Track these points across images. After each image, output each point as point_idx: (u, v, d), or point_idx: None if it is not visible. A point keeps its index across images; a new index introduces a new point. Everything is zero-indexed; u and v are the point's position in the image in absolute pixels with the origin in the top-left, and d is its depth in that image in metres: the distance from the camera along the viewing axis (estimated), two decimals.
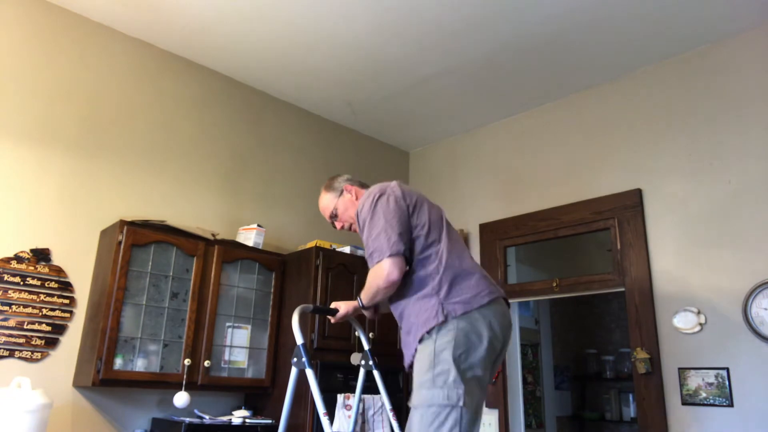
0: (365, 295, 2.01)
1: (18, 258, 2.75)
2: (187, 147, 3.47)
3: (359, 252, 3.45)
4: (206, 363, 2.93)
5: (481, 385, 1.83)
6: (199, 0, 3.04)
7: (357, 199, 2.25)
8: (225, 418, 2.96)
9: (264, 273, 3.32)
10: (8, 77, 2.88)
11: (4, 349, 2.64)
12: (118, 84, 3.26)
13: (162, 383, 2.83)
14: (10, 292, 2.69)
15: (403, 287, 1.96)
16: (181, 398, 2.80)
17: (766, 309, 2.75)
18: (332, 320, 2.24)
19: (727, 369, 2.81)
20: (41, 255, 2.81)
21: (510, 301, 3.88)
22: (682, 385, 2.94)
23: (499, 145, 4.16)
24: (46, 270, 2.81)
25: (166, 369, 2.83)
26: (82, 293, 2.90)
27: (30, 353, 2.70)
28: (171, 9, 3.11)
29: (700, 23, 3.08)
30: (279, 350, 3.22)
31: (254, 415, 3.13)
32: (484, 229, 4.04)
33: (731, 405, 2.77)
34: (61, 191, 2.95)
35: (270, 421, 3.00)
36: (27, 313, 2.71)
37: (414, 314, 1.90)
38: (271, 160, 3.87)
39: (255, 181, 3.75)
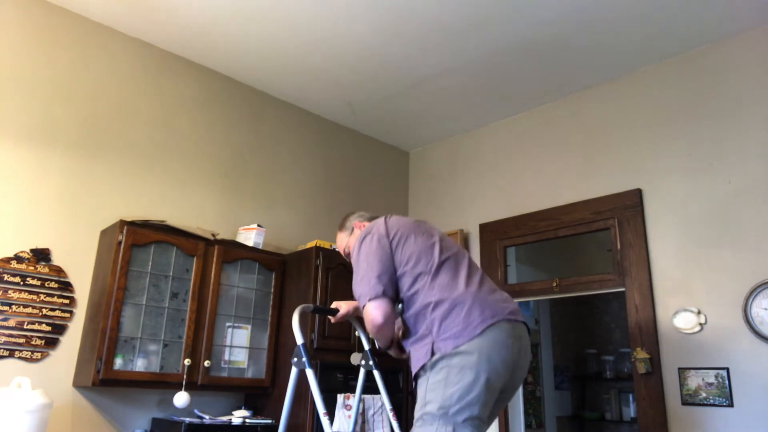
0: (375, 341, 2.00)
1: (18, 258, 2.75)
2: (187, 147, 3.47)
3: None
4: (206, 363, 2.93)
5: (479, 424, 1.71)
6: (199, 0, 3.04)
7: (360, 227, 2.29)
8: (225, 418, 2.96)
9: (264, 273, 3.32)
10: (8, 77, 2.88)
11: (4, 349, 2.64)
12: (118, 84, 3.26)
13: (162, 383, 2.83)
14: (10, 292, 2.69)
15: (406, 328, 1.93)
16: (181, 398, 2.80)
17: (766, 309, 2.75)
18: (332, 320, 2.25)
19: (727, 369, 2.81)
20: (41, 255, 2.81)
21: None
22: (682, 385, 2.94)
23: (499, 145, 4.16)
24: (46, 270, 2.81)
25: (166, 369, 2.83)
26: (82, 293, 2.90)
27: (30, 353, 2.70)
28: (171, 9, 3.11)
29: (700, 23, 3.08)
30: (279, 350, 3.22)
31: (254, 415, 3.13)
32: (484, 229, 4.04)
33: (731, 405, 2.77)
34: (61, 191, 2.95)
35: (270, 421, 3.00)
36: (27, 313, 2.71)
37: (414, 355, 1.86)
38: (271, 160, 3.87)
39: (255, 181, 3.75)
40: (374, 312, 1.83)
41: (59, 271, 2.85)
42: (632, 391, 4.77)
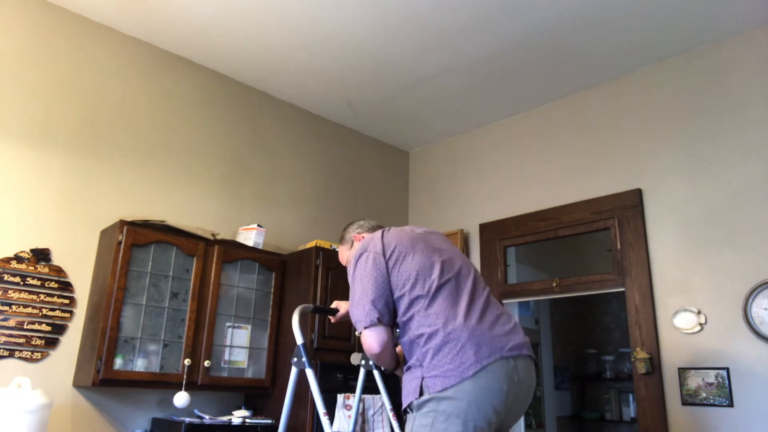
0: None
1: (18, 258, 2.75)
2: (187, 147, 3.47)
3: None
4: (206, 363, 2.93)
5: None
6: (199, 0, 3.03)
7: (358, 238, 2.20)
8: (225, 418, 2.96)
9: (264, 273, 3.32)
10: (8, 77, 2.88)
11: (4, 349, 2.64)
12: (118, 84, 3.26)
13: (162, 383, 2.83)
14: (10, 292, 2.69)
15: (402, 353, 1.85)
16: (181, 398, 2.80)
17: (766, 309, 2.75)
18: (332, 320, 2.23)
19: (727, 369, 2.81)
20: (41, 255, 2.81)
21: (510, 301, 3.98)
22: (682, 385, 2.94)
23: (499, 145, 4.16)
24: (46, 270, 2.81)
25: (166, 369, 2.83)
26: (82, 293, 2.90)
27: (30, 353, 2.70)
28: (171, 9, 3.11)
29: (700, 23, 3.08)
30: (279, 350, 3.22)
31: (254, 415, 3.13)
32: (484, 229, 4.04)
33: (731, 405, 2.77)
34: (61, 191, 2.95)
35: (270, 421, 3.00)
36: (27, 313, 2.71)
37: (404, 387, 1.74)
38: (271, 160, 3.87)
39: (255, 181, 3.75)
40: (370, 341, 1.73)
41: (59, 271, 2.85)
42: (632, 391, 4.77)
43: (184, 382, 2.85)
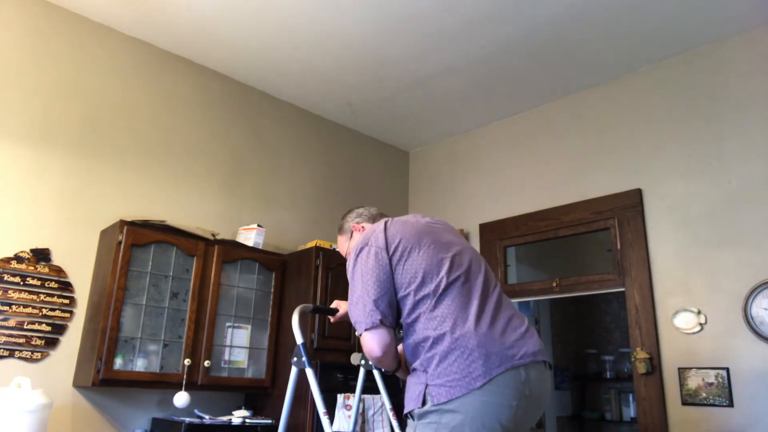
0: None
1: (18, 258, 2.75)
2: (187, 147, 3.47)
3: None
4: (206, 363, 2.93)
5: None
6: (199, 0, 3.04)
7: (361, 228, 2.04)
8: (225, 418, 2.96)
9: (264, 273, 3.32)
10: (8, 77, 2.88)
11: (4, 349, 2.64)
12: (118, 84, 3.26)
13: (162, 383, 2.83)
14: (10, 292, 2.69)
15: (404, 355, 1.73)
16: (181, 398, 2.80)
17: (766, 309, 2.75)
18: (332, 320, 2.21)
19: (727, 369, 2.81)
20: (41, 255, 2.81)
21: (510, 301, 3.95)
22: (682, 385, 2.93)
23: (499, 145, 4.16)
24: (46, 270, 2.81)
25: (166, 369, 2.83)
26: (82, 293, 2.90)
27: (30, 353, 2.70)
28: (171, 9, 3.11)
29: (700, 23, 3.08)
30: (279, 350, 3.22)
31: (254, 415, 3.12)
32: (484, 229, 4.04)
33: (731, 405, 2.77)
34: (61, 191, 2.95)
35: (270, 421, 3.00)
36: (27, 313, 2.71)
37: (407, 392, 1.63)
38: (271, 160, 3.87)
39: (255, 181, 3.75)
40: (371, 343, 1.59)
41: (59, 271, 2.85)
42: (632, 391, 4.77)
43: (184, 382, 2.85)
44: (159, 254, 2.92)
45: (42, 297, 2.77)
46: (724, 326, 2.87)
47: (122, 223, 2.82)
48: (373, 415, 3.03)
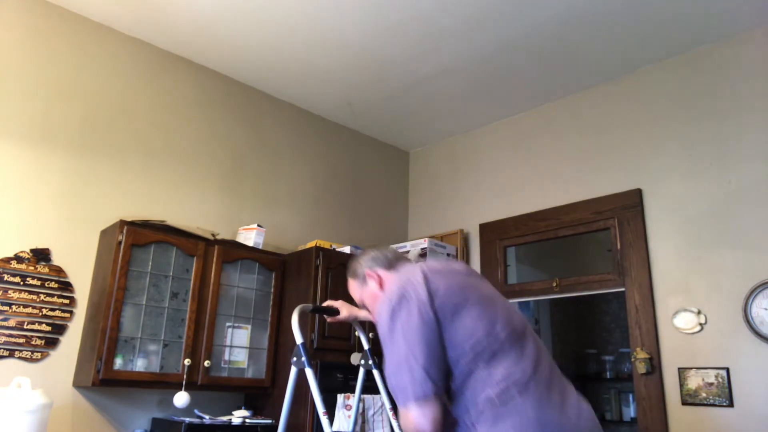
0: None
1: (18, 258, 2.75)
2: (187, 147, 3.47)
3: (359, 252, 3.44)
4: (206, 363, 2.93)
5: None
6: (199, 0, 3.04)
7: (381, 287, 1.77)
8: (225, 418, 2.96)
9: (264, 273, 3.32)
10: (8, 77, 2.88)
11: (4, 349, 2.64)
12: (118, 84, 3.26)
13: (162, 383, 2.83)
14: (10, 292, 2.69)
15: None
16: (181, 398, 2.80)
17: (766, 309, 2.75)
18: (329, 319, 2.15)
19: (727, 369, 2.81)
20: (41, 255, 2.82)
21: (510, 301, 3.95)
22: (682, 385, 2.93)
23: (499, 145, 4.16)
24: (46, 270, 2.81)
25: (166, 369, 2.83)
26: (82, 293, 2.90)
27: (30, 353, 2.70)
28: (171, 9, 3.11)
29: (700, 23, 3.08)
30: (279, 350, 3.22)
31: (254, 415, 3.12)
32: (484, 229, 4.04)
33: (731, 405, 2.77)
34: (61, 191, 2.95)
35: (270, 421, 3.00)
36: (27, 313, 2.71)
37: None
38: (271, 160, 3.87)
39: (255, 181, 3.75)
40: (420, 420, 1.36)
41: (59, 271, 2.85)
42: (632, 391, 4.77)
43: (184, 382, 2.85)
44: (159, 254, 2.92)
45: (42, 297, 2.77)
46: (724, 326, 2.87)
47: (122, 223, 2.82)
48: (373, 415, 3.03)
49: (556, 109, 3.88)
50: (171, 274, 2.94)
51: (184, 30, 3.30)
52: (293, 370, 1.98)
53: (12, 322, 2.67)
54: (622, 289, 3.28)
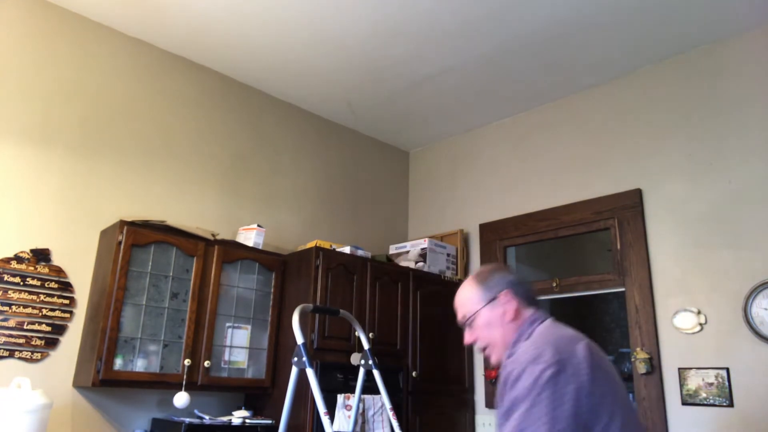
0: None
1: (18, 258, 2.75)
2: (187, 147, 3.47)
3: (359, 252, 3.45)
4: (206, 363, 2.93)
5: None
6: (199, 0, 3.03)
7: (512, 320, 1.53)
8: (225, 419, 2.96)
9: (264, 273, 3.32)
10: (8, 77, 2.88)
11: (4, 349, 2.63)
12: (118, 84, 3.26)
13: (162, 383, 2.82)
14: (10, 292, 2.69)
15: None
16: (181, 398, 2.80)
17: (766, 309, 2.75)
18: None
19: (727, 369, 2.81)
20: (41, 255, 2.81)
21: None
22: (682, 385, 2.94)
23: (499, 144, 4.16)
24: (46, 270, 2.81)
25: (166, 369, 2.83)
26: (82, 293, 2.90)
27: (30, 353, 2.70)
28: (171, 9, 3.11)
29: (700, 23, 3.08)
30: (279, 350, 3.22)
31: (254, 415, 3.12)
32: (484, 229, 4.04)
33: (731, 405, 2.77)
34: (61, 191, 2.95)
35: (270, 422, 3.00)
36: (27, 313, 2.71)
37: None
38: (271, 160, 3.87)
39: (255, 181, 3.75)
40: None
41: (59, 271, 2.85)
42: (632, 391, 4.77)
43: (184, 383, 2.84)
44: (159, 254, 2.92)
45: (42, 297, 2.77)
46: (724, 326, 2.87)
47: (122, 223, 2.82)
48: (373, 415, 3.03)
49: (556, 109, 3.88)
50: (171, 274, 2.93)
51: (184, 30, 3.30)
52: (294, 370, 1.98)
53: (12, 323, 2.67)
54: (622, 289, 3.28)
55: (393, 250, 4.07)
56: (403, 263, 3.81)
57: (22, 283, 2.72)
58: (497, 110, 4.08)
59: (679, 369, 2.96)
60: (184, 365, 2.86)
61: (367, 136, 4.56)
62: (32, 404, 2.34)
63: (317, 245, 3.30)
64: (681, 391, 2.93)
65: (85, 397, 2.83)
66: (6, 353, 2.64)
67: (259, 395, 3.24)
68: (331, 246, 3.41)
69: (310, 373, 1.92)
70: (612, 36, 3.21)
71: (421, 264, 3.81)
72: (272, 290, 3.33)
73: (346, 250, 3.42)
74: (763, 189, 2.89)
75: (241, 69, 3.68)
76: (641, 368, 3.04)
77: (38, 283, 2.77)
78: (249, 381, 3.12)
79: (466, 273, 4.06)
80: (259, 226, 3.40)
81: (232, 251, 3.19)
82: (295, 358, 1.96)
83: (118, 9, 3.13)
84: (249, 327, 3.19)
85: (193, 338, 2.92)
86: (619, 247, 3.33)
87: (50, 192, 2.91)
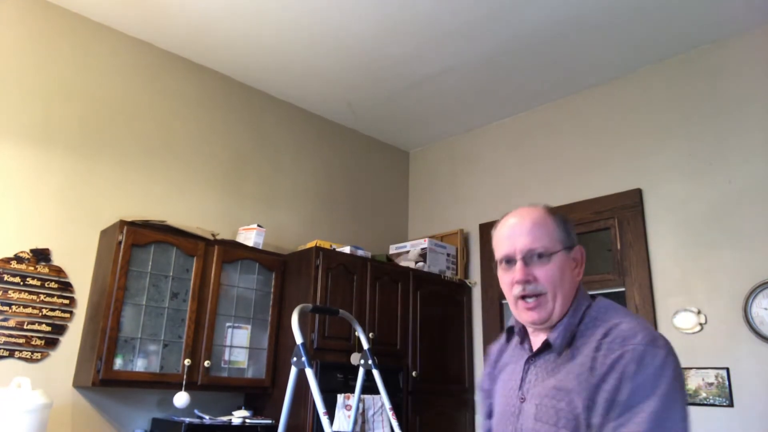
0: None
1: (18, 258, 2.75)
2: (187, 147, 3.48)
3: (359, 252, 3.45)
4: (206, 363, 2.93)
5: None
6: (199, 0, 3.04)
7: (579, 273, 1.40)
8: (225, 419, 2.96)
9: (264, 273, 3.32)
10: (8, 77, 2.88)
11: (4, 349, 2.64)
12: (118, 84, 3.26)
13: (162, 383, 2.83)
14: (10, 292, 2.69)
15: None
16: (181, 398, 2.80)
17: (766, 309, 2.75)
18: None
19: (727, 369, 2.81)
20: (41, 255, 2.82)
21: None
22: None
23: (499, 145, 4.16)
24: (46, 270, 2.81)
25: (166, 369, 2.83)
26: (82, 293, 2.90)
27: (30, 353, 2.70)
28: (171, 9, 3.11)
29: (700, 23, 3.07)
30: (279, 350, 3.22)
31: (254, 415, 3.13)
32: (484, 229, 4.04)
33: (731, 405, 2.77)
34: (61, 191, 2.95)
35: (270, 421, 3.00)
36: (27, 313, 2.71)
37: None
38: (271, 160, 3.87)
39: (255, 181, 3.75)
40: None
41: (59, 271, 2.85)
42: None
43: (184, 382, 2.85)
44: (159, 254, 2.92)
45: (42, 297, 2.77)
46: (724, 326, 2.87)
47: (122, 223, 2.82)
48: (373, 415, 3.03)
49: (556, 109, 3.88)
50: (171, 274, 2.94)
51: (184, 30, 3.30)
52: (293, 370, 1.98)
53: (12, 323, 2.67)
54: (622, 289, 3.28)
55: (393, 250, 4.08)
56: (403, 263, 3.81)
57: (22, 283, 2.72)
58: (497, 110, 4.08)
59: None
60: (184, 365, 2.86)
61: (367, 136, 4.56)
62: (32, 404, 2.34)
63: (317, 245, 3.30)
64: None
65: (85, 397, 2.83)
66: (6, 353, 2.64)
67: (259, 395, 3.24)
68: (331, 246, 3.41)
69: (309, 373, 1.92)
70: (612, 36, 3.21)
71: (421, 264, 3.81)
72: (272, 290, 3.33)
73: (346, 250, 3.42)
74: (763, 189, 2.89)
75: (241, 69, 3.68)
76: None
77: (38, 283, 2.77)
78: (249, 381, 3.12)
79: (466, 273, 4.07)
80: (259, 226, 3.40)
81: (232, 251, 3.19)
82: (295, 358, 1.96)
83: (118, 9, 3.13)
84: (249, 327, 3.19)
85: (193, 338, 2.92)
86: (619, 247, 3.33)
87: (50, 192, 2.92)
